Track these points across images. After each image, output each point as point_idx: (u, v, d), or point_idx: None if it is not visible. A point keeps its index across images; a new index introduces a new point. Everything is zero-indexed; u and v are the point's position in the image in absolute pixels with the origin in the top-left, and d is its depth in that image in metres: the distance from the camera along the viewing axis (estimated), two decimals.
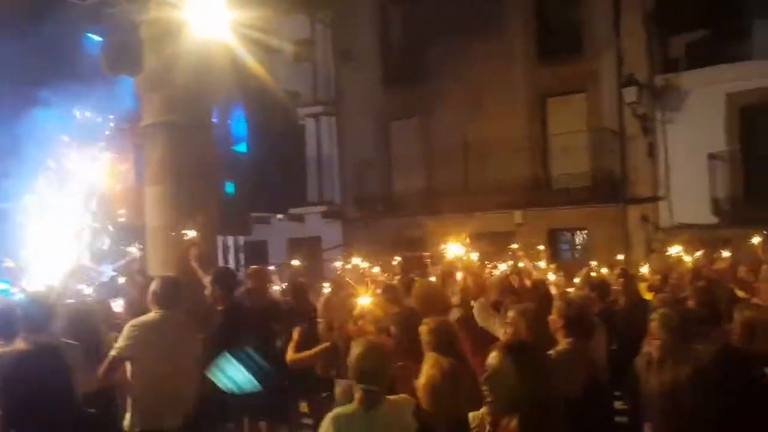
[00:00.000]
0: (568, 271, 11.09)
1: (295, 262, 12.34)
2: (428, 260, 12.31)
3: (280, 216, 23.09)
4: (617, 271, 9.45)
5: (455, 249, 6.59)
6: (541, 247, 12.55)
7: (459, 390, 4.28)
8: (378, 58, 22.23)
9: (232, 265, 21.42)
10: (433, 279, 8.47)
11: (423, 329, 4.76)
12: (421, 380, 4.43)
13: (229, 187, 18.23)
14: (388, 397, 3.82)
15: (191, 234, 7.45)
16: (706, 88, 17.20)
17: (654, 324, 4.79)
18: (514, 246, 11.21)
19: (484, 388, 2.99)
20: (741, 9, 17.17)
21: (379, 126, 22.09)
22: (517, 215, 19.13)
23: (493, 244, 12.98)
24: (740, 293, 7.55)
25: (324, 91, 23.27)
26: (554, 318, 4.90)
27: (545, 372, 2.98)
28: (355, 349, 3.86)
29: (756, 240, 9.90)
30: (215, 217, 8.54)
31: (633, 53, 18.21)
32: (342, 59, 22.72)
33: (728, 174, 17.11)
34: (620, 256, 13.74)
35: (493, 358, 3.01)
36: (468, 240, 6.83)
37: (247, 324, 6.58)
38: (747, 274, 9.21)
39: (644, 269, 8.27)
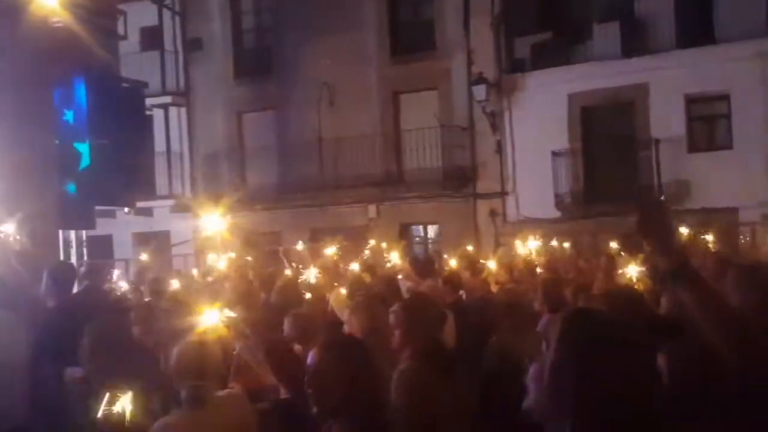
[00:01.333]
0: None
1: (143, 257, 11.80)
2: (282, 255, 12.10)
3: (126, 209, 22.02)
4: (463, 263, 9.64)
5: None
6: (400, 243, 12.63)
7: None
8: (229, 48, 21.74)
9: (74, 260, 20.20)
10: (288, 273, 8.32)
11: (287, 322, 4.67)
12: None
13: (70, 181, 17.16)
14: (219, 393, 3.68)
15: (8, 230, 6.83)
16: (549, 88, 18.03)
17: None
18: (372, 242, 11.26)
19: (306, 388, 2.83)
20: (582, 13, 18.16)
21: (230, 118, 21.60)
22: (371, 209, 19.31)
23: (349, 238, 12.97)
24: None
25: (173, 81, 22.43)
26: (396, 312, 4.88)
27: (371, 369, 2.84)
28: (174, 351, 3.68)
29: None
30: (50, 211, 7.95)
31: (482, 53, 18.82)
32: (191, 48, 22.00)
33: (570, 170, 18.03)
34: (470, 247, 14.08)
35: (313, 355, 2.89)
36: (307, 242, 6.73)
37: (84, 322, 6.10)
38: (586, 264, 9.68)
39: (491, 263, 8.48)
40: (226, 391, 3.86)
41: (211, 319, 4.26)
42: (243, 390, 4.07)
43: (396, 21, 20.03)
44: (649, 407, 1.91)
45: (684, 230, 10.35)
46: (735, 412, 2.46)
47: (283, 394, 3.99)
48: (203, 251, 13.93)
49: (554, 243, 10.48)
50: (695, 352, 2.69)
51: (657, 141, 17.15)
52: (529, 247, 11.15)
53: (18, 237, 6.78)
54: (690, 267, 2.35)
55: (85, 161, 18.22)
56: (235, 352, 4.30)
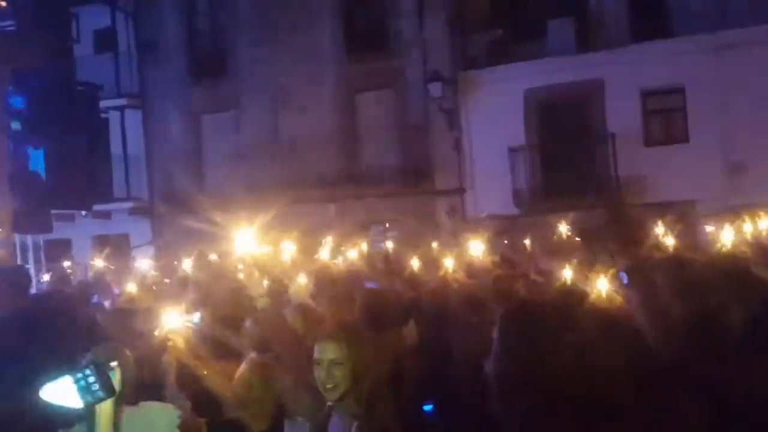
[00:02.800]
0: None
1: (98, 262, 11.58)
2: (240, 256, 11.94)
3: (84, 213, 21.71)
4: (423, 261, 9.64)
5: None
6: (363, 245, 12.55)
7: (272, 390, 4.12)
8: (185, 49, 21.52)
9: (31, 266, 19.84)
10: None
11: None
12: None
13: (24, 182, 16.84)
14: (128, 408, 3.48)
15: None
16: (505, 85, 18.11)
17: None
18: (328, 239, 11.19)
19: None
20: (536, 9, 18.26)
21: (188, 120, 21.39)
22: (331, 208, 19.26)
23: (311, 237, 12.91)
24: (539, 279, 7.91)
25: (128, 83, 22.14)
26: (356, 310, 4.88)
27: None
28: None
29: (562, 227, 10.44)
30: (5, 217, 7.77)
31: (437, 50, 18.87)
32: (146, 50, 21.73)
33: (528, 166, 18.14)
34: (434, 244, 14.07)
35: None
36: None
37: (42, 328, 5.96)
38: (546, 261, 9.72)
39: (449, 260, 8.48)
40: (132, 407, 3.62)
41: (170, 322, 4.21)
42: (191, 399, 3.95)
43: (350, 20, 19.97)
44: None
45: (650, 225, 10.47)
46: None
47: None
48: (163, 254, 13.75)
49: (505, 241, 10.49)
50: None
51: (613, 135, 17.33)
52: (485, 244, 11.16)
53: None
54: (641, 267, 2.39)
55: (40, 165, 17.96)
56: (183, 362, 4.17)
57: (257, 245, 6.38)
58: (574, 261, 6.83)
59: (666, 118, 18.06)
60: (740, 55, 16.33)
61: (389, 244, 14.07)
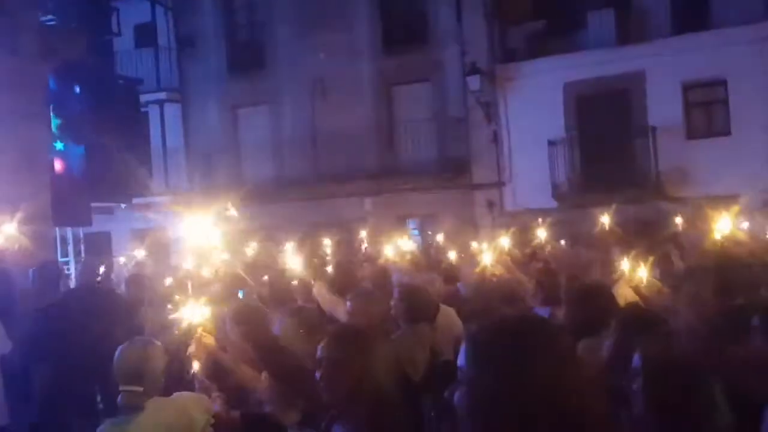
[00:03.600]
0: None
1: (140, 253, 11.72)
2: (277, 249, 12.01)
3: (123, 205, 22.01)
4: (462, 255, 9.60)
5: None
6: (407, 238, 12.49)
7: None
8: (223, 44, 21.71)
9: (71, 258, 20.21)
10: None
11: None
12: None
13: (65, 176, 17.13)
14: (162, 398, 3.56)
15: (9, 231, 6.79)
16: (544, 77, 17.94)
17: None
18: (363, 234, 11.22)
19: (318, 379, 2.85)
20: (576, 1, 18.04)
21: (225, 114, 21.56)
22: (367, 203, 19.26)
23: (345, 232, 12.96)
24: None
25: (167, 77, 22.39)
26: (394, 303, 4.87)
27: (378, 358, 2.85)
28: (117, 352, 3.60)
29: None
30: (45, 209, 7.91)
31: (475, 43, 18.73)
32: (185, 45, 21.94)
33: (567, 160, 17.96)
34: (474, 244, 13.94)
35: (323, 347, 2.88)
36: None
37: (74, 324, 6.02)
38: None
39: (487, 255, 8.41)
40: (172, 397, 3.69)
41: (196, 314, 4.19)
42: (222, 392, 3.92)
43: (388, 13, 19.93)
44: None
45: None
46: None
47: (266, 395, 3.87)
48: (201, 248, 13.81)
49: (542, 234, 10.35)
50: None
51: (654, 128, 17.09)
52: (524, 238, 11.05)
53: (19, 237, 6.79)
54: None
55: (80, 158, 18.27)
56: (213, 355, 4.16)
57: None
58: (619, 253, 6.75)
59: (708, 110, 17.79)
60: None
61: (428, 239, 14.00)
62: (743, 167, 16.04)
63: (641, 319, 3.44)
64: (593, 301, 4.27)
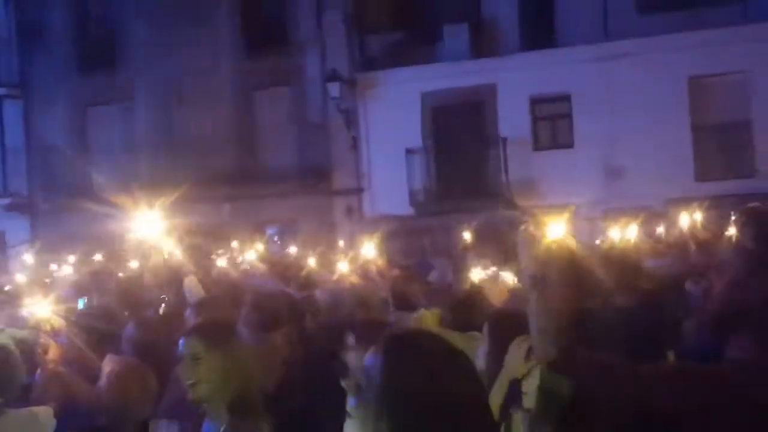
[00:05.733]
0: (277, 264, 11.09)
1: None
2: (127, 255, 11.56)
3: None
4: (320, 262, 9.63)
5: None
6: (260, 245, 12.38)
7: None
8: (72, 36, 20.60)
9: None
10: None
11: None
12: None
13: None
14: (17, 410, 3.44)
15: None
16: (402, 87, 18.29)
17: None
18: (234, 244, 11.06)
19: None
20: (433, 13, 18.55)
21: (75, 112, 20.49)
22: (226, 208, 18.92)
23: (204, 237, 12.64)
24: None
25: (7, 71, 20.97)
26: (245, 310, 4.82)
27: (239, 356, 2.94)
28: None
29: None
30: None
31: (335, 50, 18.87)
32: (28, 37, 20.64)
33: (423, 168, 18.39)
34: (341, 243, 13.99)
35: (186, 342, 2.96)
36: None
37: None
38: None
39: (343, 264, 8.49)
40: (27, 409, 3.55)
41: (41, 310, 4.10)
42: (54, 399, 3.76)
43: (248, 16, 19.67)
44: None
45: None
46: None
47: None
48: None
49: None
50: None
51: (504, 140, 17.82)
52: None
53: None
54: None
55: None
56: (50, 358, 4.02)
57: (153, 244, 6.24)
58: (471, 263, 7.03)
59: (553, 124, 18.66)
60: (623, 65, 17.07)
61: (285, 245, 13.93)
62: (584, 178, 17.05)
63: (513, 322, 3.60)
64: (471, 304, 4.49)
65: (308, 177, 18.74)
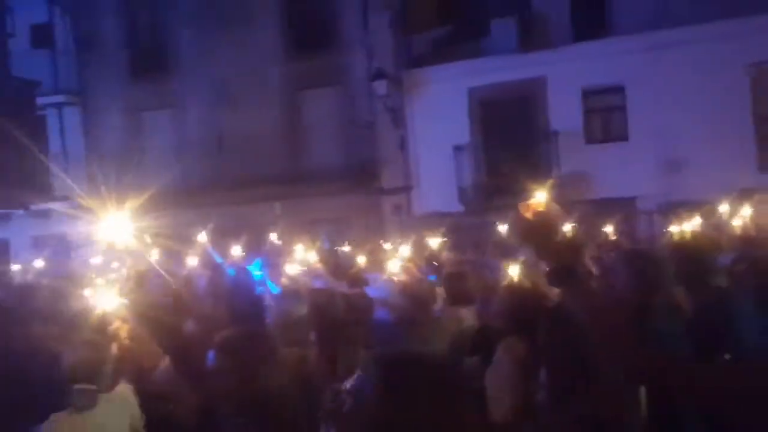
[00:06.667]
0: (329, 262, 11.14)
1: (39, 262, 11.23)
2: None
3: (21, 212, 21.15)
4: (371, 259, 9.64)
5: None
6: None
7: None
8: (124, 45, 21.10)
9: None
10: None
11: None
12: None
13: None
14: (108, 394, 3.75)
15: None
16: (449, 83, 18.21)
17: None
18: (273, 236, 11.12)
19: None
20: (480, 8, 18.40)
21: (129, 117, 20.96)
22: (276, 207, 19.08)
23: (255, 237, 12.77)
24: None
25: (66, 79, 21.59)
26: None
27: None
28: (66, 353, 3.78)
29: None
30: None
31: (381, 48, 18.85)
32: (85, 46, 21.20)
33: (472, 164, 18.27)
34: (388, 245, 14.02)
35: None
36: None
37: None
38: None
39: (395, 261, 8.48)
40: (115, 391, 3.88)
41: (109, 302, 4.39)
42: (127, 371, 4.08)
43: (294, 17, 19.80)
44: None
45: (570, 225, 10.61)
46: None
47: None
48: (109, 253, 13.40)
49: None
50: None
51: (555, 133, 17.57)
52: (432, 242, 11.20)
53: None
54: (565, 268, 2.42)
55: None
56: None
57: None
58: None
59: (606, 116, 18.34)
60: (678, 54, 16.65)
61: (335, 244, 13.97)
62: (640, 171, 16.72)
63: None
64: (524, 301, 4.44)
65: (356, 176, 18.79)
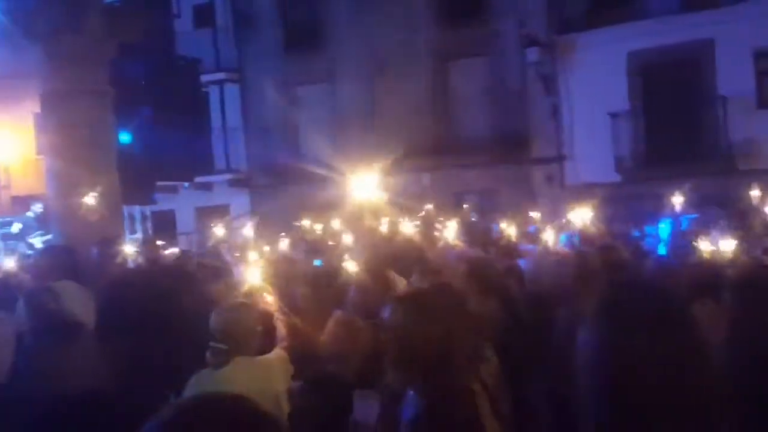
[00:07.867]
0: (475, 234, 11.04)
1: (218, 230, 11.83)
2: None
3: (186, 185, 22.47)
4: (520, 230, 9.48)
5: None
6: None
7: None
8: (279, 22, 21.74)
9: (139, 236, 20.80)
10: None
11: None
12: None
13: (130, 155, 17.52)
14: (248, 358, 3.87)
15: (90, 202, 7.06)
16: (606, 47, 17.44)
17: None
18: (428, 207, 11.20)
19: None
20: None
21: (284, 92, 21.66)
22: (425, 178, 19.14)
23: (404, 207, 12.88)
24: None
25: (226, 57, 22.61)
26: (463, 278, 4.82)
27: (442, 321, 2.77)
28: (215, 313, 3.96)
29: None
30: (115, 186, 8.06)
31: (533, 14, 18.33)
32: (243, 24, 22.07)
33: (630, 132, 17.49)
34: (534, 214, 13.72)
35: (388, 310, 2.85)
36: None
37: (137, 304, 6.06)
38: None
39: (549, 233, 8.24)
40: (264, 356, 4.04)
41: (254, 276, 4.61)
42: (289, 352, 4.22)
43: None
44: None
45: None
46: None
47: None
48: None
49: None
50: None
51: (724, 98, 16.48)
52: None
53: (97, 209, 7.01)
54: None
55: (145, 139, 18.64)
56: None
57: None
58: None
59: None
60: None
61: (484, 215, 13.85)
62: None
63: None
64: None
65: (506, 146, 18.46)
